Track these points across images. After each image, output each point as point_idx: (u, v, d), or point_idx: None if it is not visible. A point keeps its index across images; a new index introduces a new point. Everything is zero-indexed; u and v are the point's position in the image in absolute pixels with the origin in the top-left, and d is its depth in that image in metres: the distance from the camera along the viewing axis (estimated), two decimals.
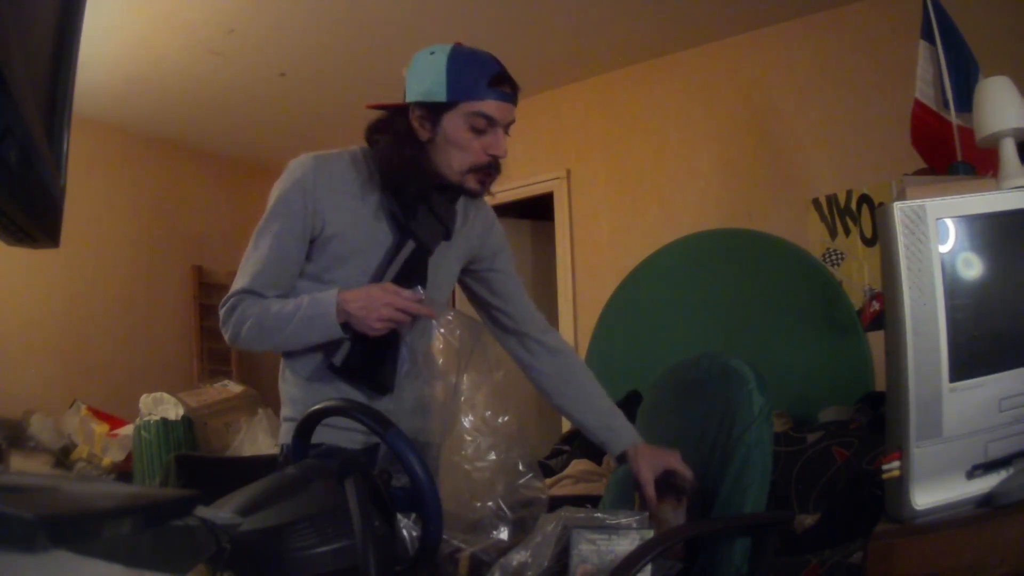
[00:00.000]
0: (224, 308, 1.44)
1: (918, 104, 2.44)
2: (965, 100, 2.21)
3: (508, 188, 4.56)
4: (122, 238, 4.59)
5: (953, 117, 2.25)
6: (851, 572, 1.88)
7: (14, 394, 3.81)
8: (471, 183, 1.44)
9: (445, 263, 1.55)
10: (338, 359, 1.44)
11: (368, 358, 1.45)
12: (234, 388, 4.11)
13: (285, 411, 1.53)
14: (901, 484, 1.14)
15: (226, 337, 1.46)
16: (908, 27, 2.73)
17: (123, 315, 4.52)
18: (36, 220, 0.60)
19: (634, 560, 1.29)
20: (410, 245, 1.47)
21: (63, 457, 3.66)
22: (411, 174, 1.43)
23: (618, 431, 1.61)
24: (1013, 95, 1.50)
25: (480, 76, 1.38)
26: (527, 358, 1.66)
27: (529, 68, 4.17)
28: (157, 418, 3.61)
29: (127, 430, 3.75)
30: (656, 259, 3.77)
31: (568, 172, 4.35)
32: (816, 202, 3.52)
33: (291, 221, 1.43)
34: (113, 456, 3.70)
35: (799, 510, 2.48)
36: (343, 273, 1.46)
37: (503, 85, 1.40)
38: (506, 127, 1.44)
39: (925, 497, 1.14)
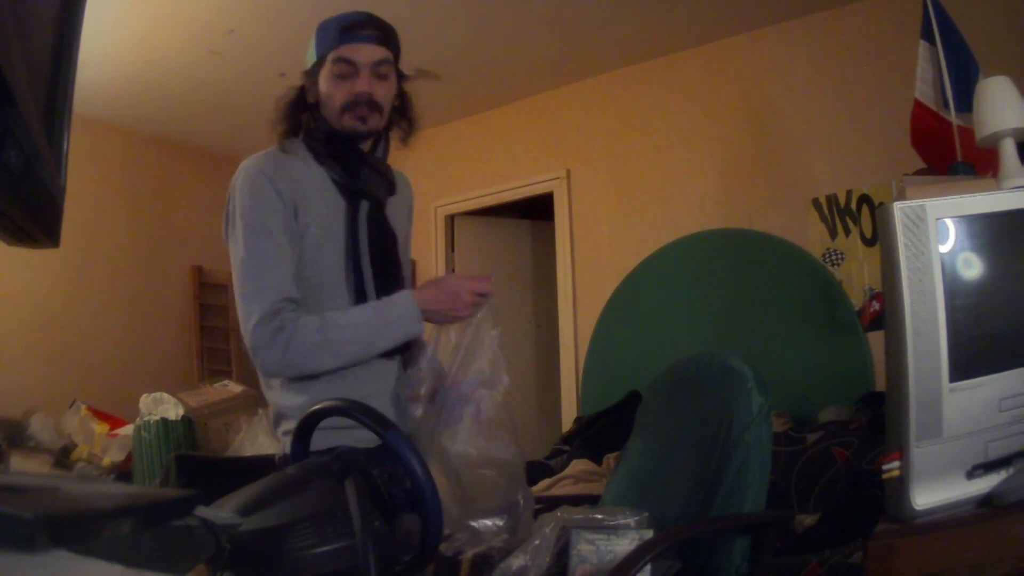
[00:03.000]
0: (267, 329, 1.36)
1: (918, 104, 2.44)
2: (965, 100, 2.21)
3: (508, 188, 4.57)
4: (122, 238, 4.59)
5: (953, 117, 2.25)
6: (851, 572, 1.88)
7: (14, 394, 3.81)
8: (349, 121, 1.49)
9: (398, 219, 1.60)
10: None
11: None
12: (234, 388, 4.11)
13: (287, 425, 1.45)
14: (901, 484, 1.14)
15: (274, 363, 1.38)
16: (908, 27, 2.73)
17: (123, 315, 4.52)
18: (36, 220, 0.60)
19: (633, 560, 1.29)
20: (365, 205, 1.51)
21: (63, 457, 3.65)
22: (323, 129, 1.50)
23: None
24: (1013, 95, 1.50)
25: (334, 28, 1.46)
26: None
27: (529, 68, 4.17)
28: (157, 418, 3.61)
29: (127, 430, 3.75)
30: (656, 259, 3.77)
31: (568, 172, 4.35)
32: (816, 202, 3.52)
33: (276, 214, 1.42)
34: (113, 456, 3.69)
35: (799, 510, 2.48)
36: (325, 260, 1.46)
37: (360, 29, 1.46)
38: (375, 67, 1.48)
39: (925, 497, 1.14)
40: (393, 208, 1.58)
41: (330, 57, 1.46)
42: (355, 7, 1.51)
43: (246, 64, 3.79)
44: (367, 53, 1.47)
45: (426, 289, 1.43)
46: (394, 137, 1.61)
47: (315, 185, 1.49)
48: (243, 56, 3.74)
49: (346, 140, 1.51)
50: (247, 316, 1.39)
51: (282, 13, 3.38)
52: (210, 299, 4.85)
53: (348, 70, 1.46)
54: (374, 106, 1.49)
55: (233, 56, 3.76)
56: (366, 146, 1.54)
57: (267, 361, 1.38)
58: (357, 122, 1.49)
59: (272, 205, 1.42)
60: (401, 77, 1.56)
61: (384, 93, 1.50)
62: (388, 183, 1.58)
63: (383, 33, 1.49)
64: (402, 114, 1.59)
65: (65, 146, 0.69)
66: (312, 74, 1.50)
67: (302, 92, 1.53)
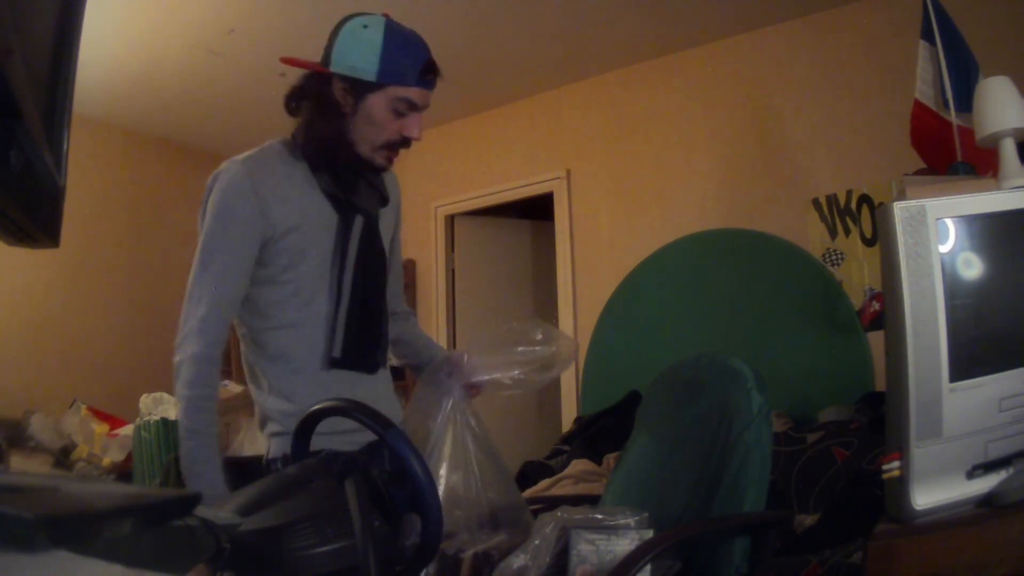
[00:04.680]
0: (184, 369, 1.37)
1: (918, 104, 2.44)
2: (965, 100, 2.21)
3: (508, 188, 4.57)
4: (122, 238, 4.59)
5: (953, 117, 2.25)
6: (851, 572, 1.88)
7: (14, 394, 3.81)
8: (380, 159, 1.48)
9: (386, 227, 1.60)
10: (336, 350, 1.45)
11: (361, 341, 1.48)
12: (234, 388, 4.10)
13: (273, 427, 1.47)
14: (901, 484, 1.14)
15: (177, 382, 1.39)
16: (908, 27, 2.73)
17: (123, 315, 4.52)
18: (36, 220, 0.60)
19: (633, 560, 1.29)
20: (359, 221, 1.49)
21: (63, 457, 3.65)
22: (335, 146, 1.45)
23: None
24: (1013, 95, 1.50)
25: (413, 64, 1.42)
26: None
27: (529, 68, 4.17)
28: (157, 418, 3.60)
29: (127, 430, 3.74)
30: (656, 259, 3.77)
31: (568, 172, 4.35)
32: (816, 202, 3.52)
33: (243, 228, 1.39)
34: (113, 456, 3.69)
35: (799, 510, 2.48)
36: (304, 268, 1.45)
37: (432, 75, 1.45)
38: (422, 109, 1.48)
39: (925, 497, 1.14)
40: (383, 220, 1.58)
41: (396, 91, 1.42)
42: (361, 8, 1.50)
43: (246, 64, 3.78)
44: (428, 99, 1.47)
45: None
46: None
47: (303, 193, 1.46)
48: (243, 56, 3.74)
49: (349, 157, 1.47)
50: (186, 319, 1.42)
51: (282, 13, 3.38)
52: None
53: (407, 109, 1.44)
54: (407, 146, 1.50)
55: (233, 56, 3.76)
56: None
57: (177, 375, 1.39)
58: (387, 162, 1.50)
59: (241, 217, 1.39)
60: None
61: None
62: (381, 196, 1.57)
63: (438, 76, 1.48)
64: None
65: (65, 146, 0.69)
66: (358, 88, 1.42)
67: (331, 92, 1.44)
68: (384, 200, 1.58)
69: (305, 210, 1.46)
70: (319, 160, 1.47)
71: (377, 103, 1.43)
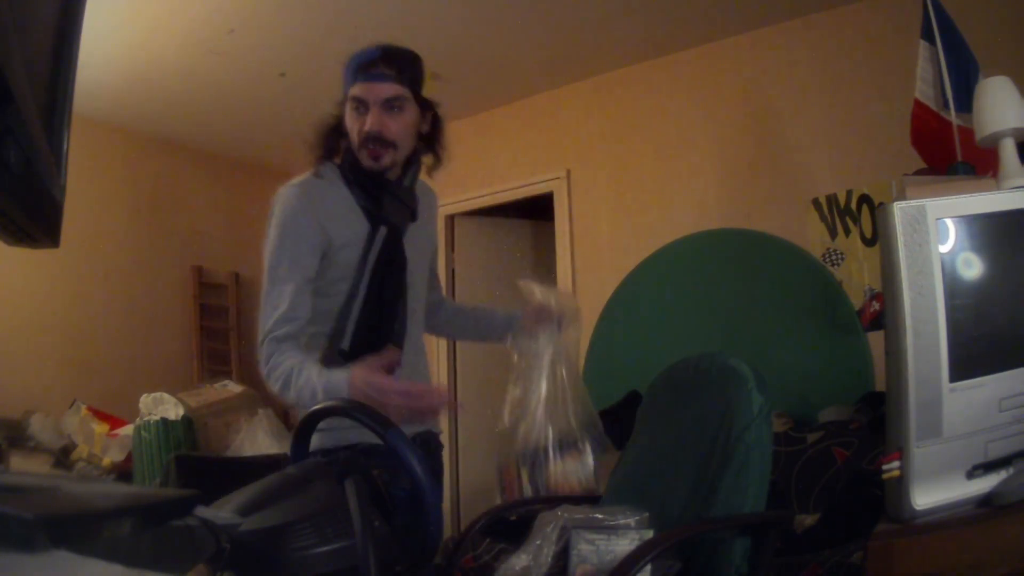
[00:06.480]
0: (265, 351, 1.48)
1: (918, 104, 2.44)
2: (965, 100, 2.21)
3: (508, 188, 4.57)
4: (122, 238, 4.59)
5: (953, 117, 2.25)
6: (851, 572, 1.88)
7: (14, 394, 3.81)
8: (365, 159, 1.59)
9: (419, 244, 1.70)
10: (345, 343, 1.52)
11: (372, 336, 1.55)
12: (234, 388, 4.11)
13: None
14: (901, 484, 1.14)
15: (265, 380, 1.49)
16: (908, 27, 2.73)
17: (123, 315, 4.51)
18: (36, 220, 0.60)
19: (633, 560, 1.29)
20: (383, 231, 1.60)
21: (63, 457, 3.65)
22: (348, 157, 1.60)
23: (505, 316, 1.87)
24: (1013, 95, 1.50)
25: (352, 67, 1.58)
26: (434, 321, 1.91)
27: (529, 68, 4.17)
28: (157, 418, 3.61)
29: (127, 430, 3.75)
30: (656, 259, 3.77)
31: (568, 172, 4.35)
32: (816, 202, 3.52)
33: (304, 238, 1.52)
34: (113, 456, 3.69)
35: (799, 510, 2.49)
36: (353, 279, 1.56)
37: (372, 68, 1.56)
38: (385, 104, 1.56)
39: (925, 497, 1.14)
40: (414, 235, 1.67)
41: (349, 94, 1.57)
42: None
43: (246, 64, 3.78)
44: (377, 92, 1.55)
45: (364, 381, 1.35)
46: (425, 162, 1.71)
47: (344, 208, 1.59)
48: (243, 56, 3.73)
49: (368, 170, 1.59)
50: (262, 323, 1.50)
51: (282, 13, 3.38)
52: (210, 299, 4.84)
53: (361, 107, 1.56)
54: (385, 143, 1.57)
55: (233, 56, 3.76)
56: (395, 172, 1.63)
57: (263, 375, 1.49)
58: (371, 160, 1.58)
59: (304, 231, 1.52)
60: (428, 106, 1.64)
61: (398, 127, 1.58)
62: (410, 211, 1.66)
63: (395, 69, 1.57)
64: (428, 145, 1.67)
65: (65, 146, 0.69)
66: (342, 105, 1.61)
67: (340, 118, 1.62)
68: (412, 215, 1.67)
69: (353, 227, 1.58)
70: (350, 175, 1.60)
71: (346, 111, 1.60)
